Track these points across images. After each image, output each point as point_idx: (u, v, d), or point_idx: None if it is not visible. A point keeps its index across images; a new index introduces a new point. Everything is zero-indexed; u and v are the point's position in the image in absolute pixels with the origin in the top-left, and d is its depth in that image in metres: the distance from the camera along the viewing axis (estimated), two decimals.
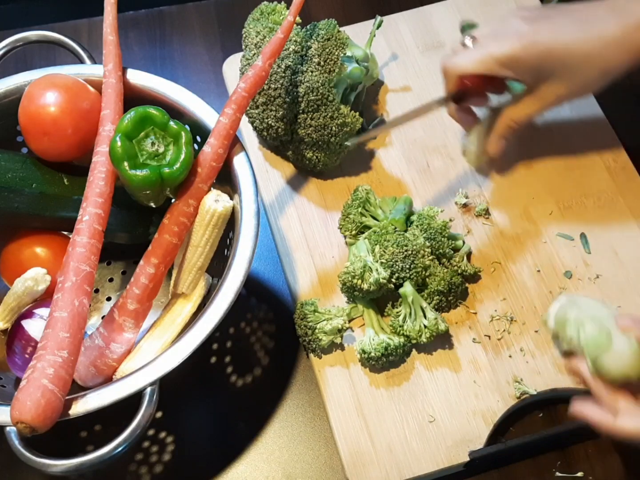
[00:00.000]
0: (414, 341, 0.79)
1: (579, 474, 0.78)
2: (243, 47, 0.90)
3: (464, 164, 0.91)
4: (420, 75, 0.98)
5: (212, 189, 0.76)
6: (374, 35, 0.93)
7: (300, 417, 0.82)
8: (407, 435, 0.77)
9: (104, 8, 0.80)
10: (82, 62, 0.85)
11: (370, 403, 0.79)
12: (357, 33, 0.95)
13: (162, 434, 0.81)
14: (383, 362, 0.78)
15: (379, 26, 0.94)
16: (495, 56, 0.77)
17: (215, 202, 0.74)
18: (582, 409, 0.67)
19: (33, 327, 0.75)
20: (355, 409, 0.78)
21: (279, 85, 0.84)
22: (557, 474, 0.78)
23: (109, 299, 0.87)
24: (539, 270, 0.85)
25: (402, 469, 0.75)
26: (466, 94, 0.82)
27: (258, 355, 0.85)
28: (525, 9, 0.81)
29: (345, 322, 0.80)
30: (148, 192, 0.73)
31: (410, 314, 0.80)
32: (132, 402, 0.67)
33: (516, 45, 0.76)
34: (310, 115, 0.84)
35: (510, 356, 0.80)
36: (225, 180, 0.78)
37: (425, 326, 0.79)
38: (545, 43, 0.75)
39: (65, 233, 0.83)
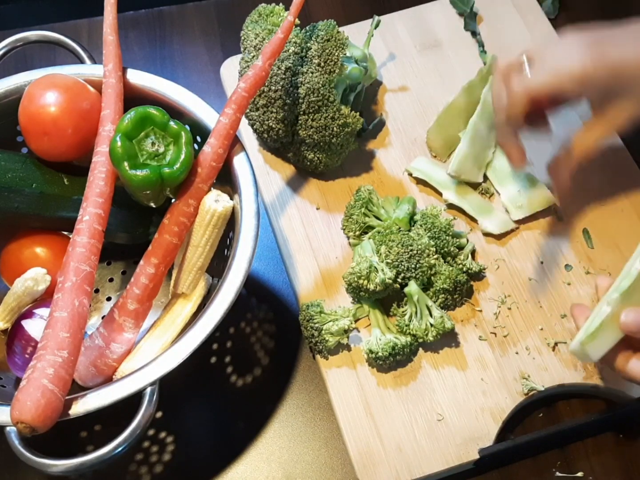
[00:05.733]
0: (420, 340, 0.79)
1: (579, 474, 0.78)
2: (242, 49, 0.89)
3: None
4: (418, 74, 0.98)
5: (212, 189, 0.76)
6: (372, 35, 0.92)
7: (300, 417, 0.82)
8: (416, 434, 0.77)
9: (104, 8, 0.80)
10: (82, 62, 0.85)
11: (378, 403, 0.78)
12: (354, 33, 0.94)
13: (162, 434, 0.81)
14: (390, 361, 0.78)
15: (376, 26, 0.93)
16: (569, 72, 0.71)
17: (215, 202, 0.74)
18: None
19: (33, 327, 0.75)
20: (363, 410, 0.78)
21: (279, 87, 0.84)
22: (557, 474, 0.78)
23: (109, 299, 0.87)
24: (542, 262, 0.85)
25: (412, 468, 0.75)
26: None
27: (258, 355, 0.85)
28: (575, 30, 0.74)
29: (351, 323, 0.80)
30: (148, 192, 0.73)
31: (416, 313, 0.80)
32: (132, 402, 0.67)
33: (586, 62, 0.71)
34: (311, 117, 0.84)
35: (516, 353, 0.80)
36: (226, 180, 0.78)
37: (431, 325, 0.79)
38: (614, 60, 0.71)
39: (66, 233, 0.83)
